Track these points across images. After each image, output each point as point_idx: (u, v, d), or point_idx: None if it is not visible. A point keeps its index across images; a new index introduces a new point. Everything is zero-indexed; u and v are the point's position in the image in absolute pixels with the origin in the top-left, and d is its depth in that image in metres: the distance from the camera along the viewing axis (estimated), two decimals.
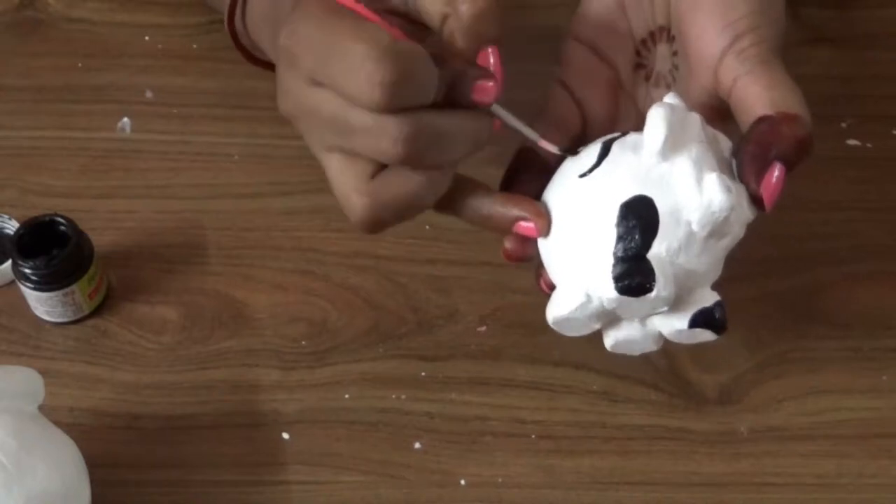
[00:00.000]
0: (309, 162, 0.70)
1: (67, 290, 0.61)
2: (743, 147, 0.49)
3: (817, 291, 0.65)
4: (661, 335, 0.52)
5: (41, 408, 0.54)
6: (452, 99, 0.48)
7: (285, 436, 0.59)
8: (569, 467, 0.58)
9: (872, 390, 0.61)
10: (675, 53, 0.55)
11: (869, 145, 0.72)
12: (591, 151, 0.52)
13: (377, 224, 0.50)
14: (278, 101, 0.51)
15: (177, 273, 0.65)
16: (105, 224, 0.66)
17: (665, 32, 0.56)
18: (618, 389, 0.61)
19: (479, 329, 0.63)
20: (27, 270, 0.60)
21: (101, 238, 0.64)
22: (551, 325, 0.52)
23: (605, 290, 0.49)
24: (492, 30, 0.49)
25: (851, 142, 0.72)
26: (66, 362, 0.62)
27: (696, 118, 0.50)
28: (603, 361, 0.61)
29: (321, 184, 0.68)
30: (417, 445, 0.59)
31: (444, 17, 0.48)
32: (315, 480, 0.58)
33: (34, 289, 0.61)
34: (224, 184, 0.69)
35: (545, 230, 0.51)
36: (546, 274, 0.54)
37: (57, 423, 0.54)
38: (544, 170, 0.53)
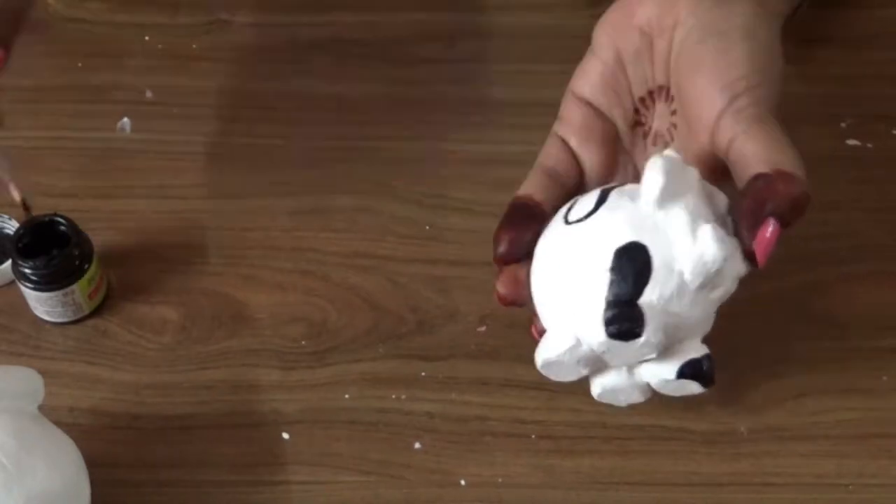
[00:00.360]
0: (309, 162, 0.70)
1: (67, 290, 0.61)
2: (739, 203, 0.50)
3: (817, 291, 0.65)
4: (648, 386, 0.54)
5: (41, 408, 0.54)
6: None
7: (285, 436, 0.59)
8: (569, 467, 0.58)
9: (872, 390, 0.61)
10: (674, 112, 0.56)
11: (869, 145, 0.72)
12: (589, 199, 0.52)
13: None
14: None
15: (177, 273, 0.65)
16: (105, 224, 0.66)
17: (664, 91, 0.56)
18: None
19: (479, 329, 0.63)
20: (27, 270, 0.60)
21: (101, 238, 0.64)
22: (540, 369, 0.53)
23: (595, 334, 0.50)
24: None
25: (851, 142, 0.72)
26: (66, 362, 0.62)
27: (693, 172, 0.51)
28: None
29: (321, 184, 0.69)
30: (417, 445, 0.59)
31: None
32: (315, 480, 0.58)
33: (34, 289, 0.61)
34: (224, 184, 0.69)
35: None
36: (538, 321, 0.54)
37: (57, 423, 0.54)
38: (539, 218, 0.54)
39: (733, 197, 0.52)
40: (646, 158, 0.53)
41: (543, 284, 0.52)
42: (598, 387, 0.54)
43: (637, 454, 0.59)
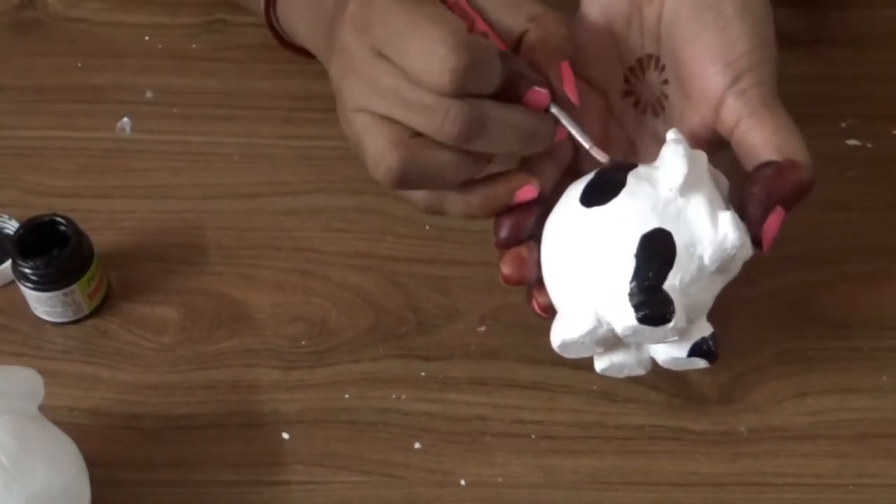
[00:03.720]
0: (309, 162, 0.70)
1: (67, 290, 0.61)
2: (748, 189, 0.51)
3: (817, 291, 0.65)
4: (651, 361, 0.54)
5: (41, 408, 0.54)
6: (509, 95, 0.51)
7: (285, 436, 0.59)
8: (569, 467, 0.58)
9: (872, 390, 0.61)
10: (665, 82, 0.56)
11: (869, 145, 0.72)
12: (598, 180, 0.53)
13: (405, 180, 0.51)
14: (332, 60, 0.53)
15: (177, 273, 0.65)
16: (105, 224, 0.66)
17: (653, 60, 0.56)
18: (618, 389, 0.61)
19: (479, 329, 0.63)
20: (27, 270, 0.60)
21: (101, 238, 0.64)
22: (556, 349, 0.53)
23: (624, 319, 0.50)
24: (569, 48, 0.53)
25: (851, 142, 0.72)
26: (66, 362, 0.62)
27: (702, 157, 0.52)
28: None
29: (321, 184, 0.69)
30: (417, 445, 0.59)
31: (524, 32, 0.53)
32: (315, 480, 0.58)
33: (34, 289, 0.61)
34: (224, 184, 0.69)
35: (538, 187, 0.54)
36: (540, 296, 0.55)
37: (57, 423, 0.54)
38: (539, 200, 0.54)
39: (729, 170, 0.53)
40: (638, 128, 0.55)
41: (559, 266, 0.53)
42: (605, 362, 0.54)
43: (637, 454, 0.59)
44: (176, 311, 0.64)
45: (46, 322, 0.63)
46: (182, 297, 0.64)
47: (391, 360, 0.62)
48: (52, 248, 0.60)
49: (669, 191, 0.50)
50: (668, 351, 0.53)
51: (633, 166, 0.52)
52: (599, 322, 0.51)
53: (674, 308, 0.50)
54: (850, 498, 0.58)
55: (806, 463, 0.59)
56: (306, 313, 0.64)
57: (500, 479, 0.58)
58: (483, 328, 0.63)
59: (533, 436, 0.59)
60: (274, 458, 0.58)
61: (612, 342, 0.53)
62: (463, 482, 0.58)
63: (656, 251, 0.50)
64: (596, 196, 0.52)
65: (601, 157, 0.53)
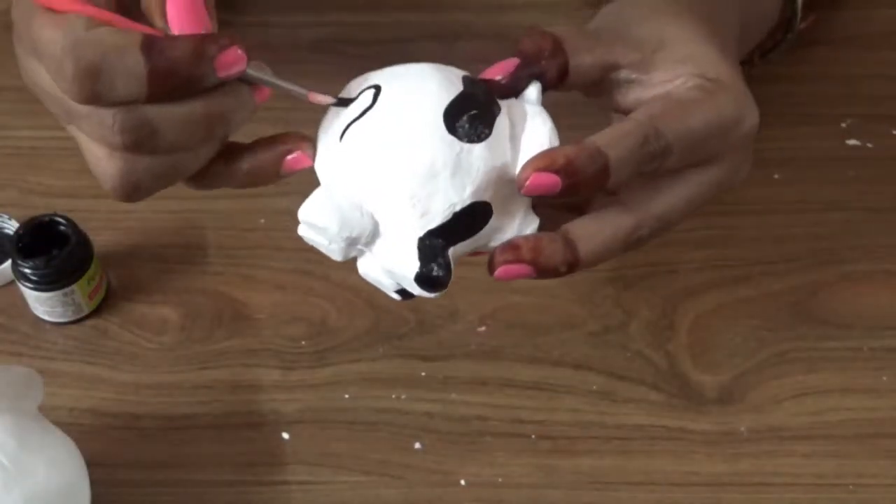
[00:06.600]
0: None
1: (67, 290, 0.61)
2: None
3: (817, 291, 0.65)
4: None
5: (41, 408, 0.54)
6: (198, 83, 0.44)
7: (285, 436, 0.59)
8: (569, 467, 0.58)
9: (872, 390, 0.61)
10: None
11: (869, 145, 0.71)
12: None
13: (133, 190, 0.45)
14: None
15: (177, 273, 0.65)
16: (105, 224, 0.66)
17: None
18: (618, 389, 0.61)
19: (479, 329, 0.63)
20: (27, 270, 0.60)
21: (101, 238, 0.64)
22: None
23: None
24: None
25: (851, 142, 0.72)
26: (66, 362, 0.62)
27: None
28: (603, 361, 0.61)
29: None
30: (417, 445, 0.59)
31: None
32: (315, 480, 0.58)
33: (34, 289, 0.61)
34: None
35: (313, 154, 0.50)
36: None
37: (57, 423, 0.54)
38: None
39: None
40: None
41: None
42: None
43: (637, 454, 0.59)
44: (176, 311, 0.64)
45: (46, 322, 0.63)
46: (182, 297, 0.64)
47: (391, 360, 0.62)
48: (52, 248, 0.60)
49: None
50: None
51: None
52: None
53: None
54: (850, 498, 0.58)
55: (806, 463, 0.59)
56: (306, 313, 0.64)
57: (499, 479, 0.58)
58: (483, 328, 0.63)
59: (533, 436, 0.59)
60: (274, 458, 0.58)
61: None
62: (463, 482, 0.58)
63: None
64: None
65: (325, 100, 0.50)
